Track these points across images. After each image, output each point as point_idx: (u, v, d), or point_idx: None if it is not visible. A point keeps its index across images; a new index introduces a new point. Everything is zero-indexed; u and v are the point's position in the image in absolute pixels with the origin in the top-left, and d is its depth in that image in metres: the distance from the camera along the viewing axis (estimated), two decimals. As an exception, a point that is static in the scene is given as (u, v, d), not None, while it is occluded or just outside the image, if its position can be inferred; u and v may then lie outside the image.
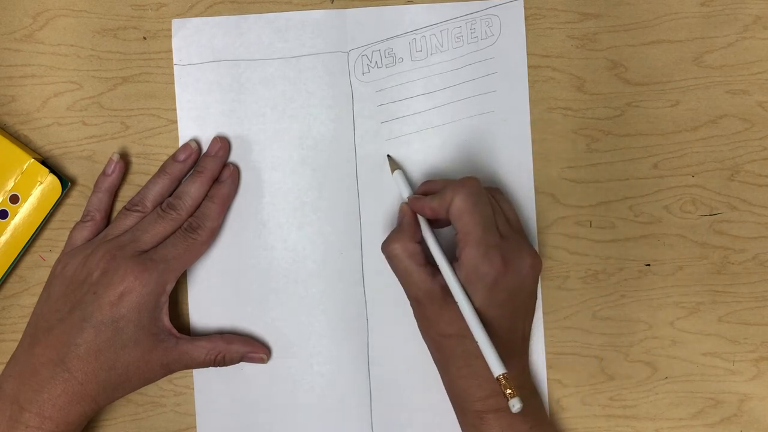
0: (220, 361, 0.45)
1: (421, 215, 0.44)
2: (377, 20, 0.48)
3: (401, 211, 0.45)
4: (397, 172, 0.46)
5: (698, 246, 0.48)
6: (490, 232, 0.41)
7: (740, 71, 0.48)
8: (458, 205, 0.41)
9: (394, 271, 0.43)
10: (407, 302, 0.46)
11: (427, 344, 0.45)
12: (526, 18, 0.48)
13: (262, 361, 0.47)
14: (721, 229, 0.48)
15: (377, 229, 0.48)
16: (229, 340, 0.46)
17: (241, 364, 0.47)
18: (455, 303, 0.41)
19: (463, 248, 0.41)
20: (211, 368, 0.46)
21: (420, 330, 0.44)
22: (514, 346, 0.43)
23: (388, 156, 0.47)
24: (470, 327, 0.40)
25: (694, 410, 0.48)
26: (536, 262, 0.43)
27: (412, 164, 0.48)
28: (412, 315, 0.45)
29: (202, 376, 0.47)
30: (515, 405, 0.38)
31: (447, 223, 0.44)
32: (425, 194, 0.44)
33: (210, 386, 0.47)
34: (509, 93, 0.48)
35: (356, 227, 0.48)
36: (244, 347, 0.46)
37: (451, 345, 0.42)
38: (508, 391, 0.38)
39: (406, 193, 0.45)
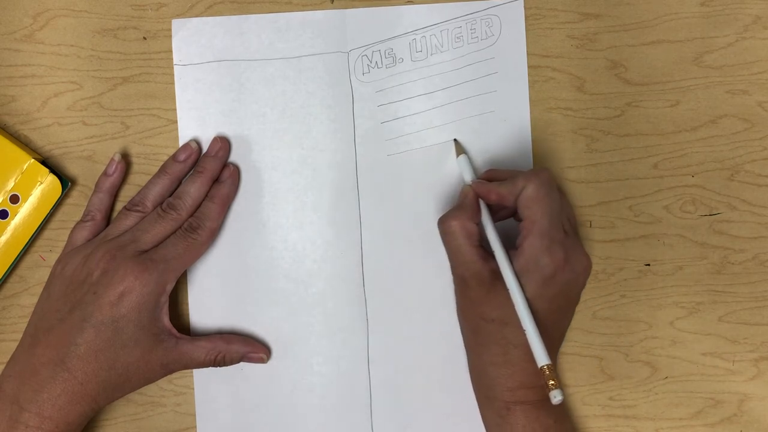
0: (220, 361, 0.45)
1: (484, 199, 0.44)
2: (377, 20, 0.48)
3: (463, 192, 0.44)
4: (462, 156, 0.46)
5: (698, 246, 0.48)
6: (556, 226, 0.41)
7: (740, 71, 0.48)
8: (530, 193, 0.41)
9: (447, 247, 0.43)
10: (407, 302, 0.46)
11: (462, 326, 0.45)
12: (526, 18, 0.48)
13: (262, 361, 0.47)
14: (721, 229, 0.48)
15: (377, 229, 0.48)
16: (229, 340, 0.46)
17: (241, 364, 0.47)
18: (503, 288, 0.41)
19: (527, 236, 0.41)
20: (211, 368, 0.46)
21: (459, 310, 0.45)
22: (553, 343, 0.43)
23: (455, 140, 0.47)
24: (519, 315, 0.40)
25: (694, 410, 0.48)
26: (589, 265, 0.43)
27: (412, 164, 0.48)
28: (413, 314, 0.45)
29: (202, 376, 0.47)
30: (557, 396, 0.39)
31: (506, 215, 0.44)
32: (488, 180, 0.44)
33: (210, 386, 0.47)
34: (509, 93, 0.48)
35: (356, 227, 0.48)
36: (244, 347, 0.46)
37: (490, 330, 0.42)
38: (551, 381, 0.39)
39: (470, 177, 0.45)
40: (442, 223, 0.43)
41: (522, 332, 0.40)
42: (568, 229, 0.43)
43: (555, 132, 0.48)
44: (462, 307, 0.44)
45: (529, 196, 0.41)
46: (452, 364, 0.47)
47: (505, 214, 0.45)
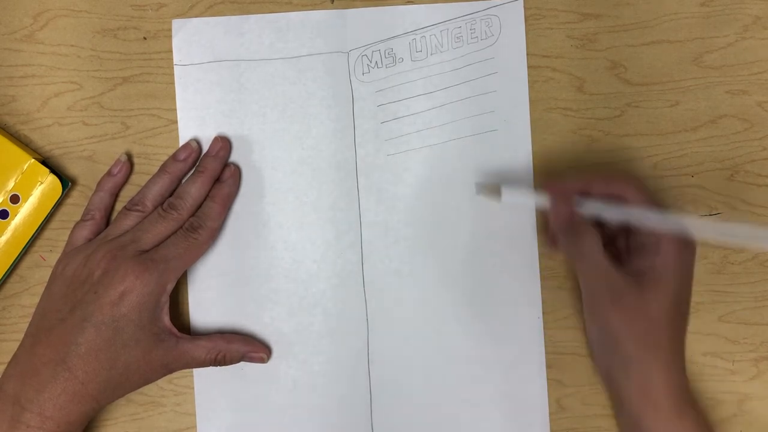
0: (221, 360, 0.45)
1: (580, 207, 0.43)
2: (377, 20, 0.48)
3: (561, 204, 0.43)
4: (504, 191, 0.44)
5: (698, 246, 0.48)
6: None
7: (740, 71, 0.48)
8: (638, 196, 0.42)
9: (583, 270, 0.42)
10: (407, 302, 0.46)
11: (621, 347, 0.41)
12: (526, 18, 0.48)
13: (262, 360, 0.47)
14: (721, 229, 0.48)
15: (377, 229, 0.48)
16: (229, 339, 0.46)
17: (241, 364, 0.47)
18: (658, 287, 0.40)
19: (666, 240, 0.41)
20: (211, 368, 0.46)
21: (609, 337, 0.41)
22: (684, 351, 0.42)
23: (481, 193, 0.46)
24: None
25: (694, 410, 0.48)
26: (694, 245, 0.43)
27: (412, 164, 0.48)
28: (413, 314, 0.45)
29: (202, 376, 0.47)
30: None
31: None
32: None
33: (210, 386, 0.47)
34: (509, 93, 0.48)
35: (356, 227, 0.48)
36: (244, 347, 0.46)
37: (659, 332, 0.40)
38: None
39: (537, 195, 0.44)
40: (573, 241, 0.42)
41: (683, 327, 0.41)
42: None
43: (555, 132, 0.48)
44: (616, 328, 0.41)
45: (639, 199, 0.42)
46: (452, 363, 0.47)
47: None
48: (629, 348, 0.41)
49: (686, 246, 0.41)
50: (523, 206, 0.45)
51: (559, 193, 0.43)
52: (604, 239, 0.43)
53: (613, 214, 0.42)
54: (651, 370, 0.41)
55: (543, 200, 0.44)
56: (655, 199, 0.42)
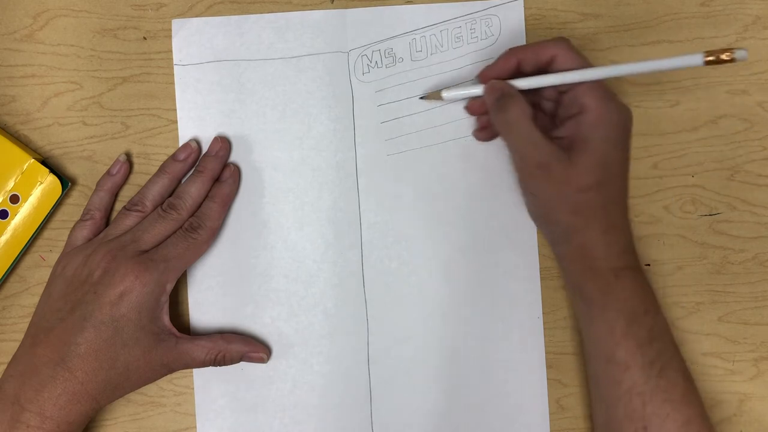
0: (221, 360, 0.45)
1: (512, 69, 0.43)
2: (377, 20, 0.48)
3: (492, 86, 0.43)
4: (443, 91, 0.46)
5: (698, 246, 0.48)
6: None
7: (740, 71, 0.48)
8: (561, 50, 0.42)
9: (513, 139, 0.42)
10: (407, 302, 0.46)
11: (555, 216, 0.42)
12: (526, 18, 0.48)
13: (262, 360, 0.47)
14: (721, 229, 0.48)
15: (377, 229, 0.48)
16: (229, 339, 0.46)
17: (241, 364, 0.47)
18: (583, 152, 0.40)
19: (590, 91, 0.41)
20: (211, 368, 0.46)
21: (542, 205, 0.42)
22: (627, 207, 0.42)
23: (425, 96, 0.47)
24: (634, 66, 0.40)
25: (694, 410, 0.48)
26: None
27: (412, 164, 0.48)
28: (413, 314, 0.45)
29: (202, 376, 0.47)
30: (741, 51, 0.35)
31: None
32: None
33: (210, 386, 0.47)
34: (509, 93, 0.48)
35: (356, 227, 0.48)
36: (244, 347, 0.46)
37: (590, 198, 0.40)
38: (723, 53, 0.36)
39: (473, 87, 0.45)
40: (501, 114, 0.42)
41: (618, 189, 0.41)
42: None
43: (555, 132, 0.48)
44: (548, 197, 0.42)
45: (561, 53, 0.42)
46: (452, 363, 0.47)
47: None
48: (563, 216, 0.41)
49: (612, 106, 0.41)
50: (464, 99, 0.46)
51: (493, 76, 0.44)
52: (542, 114, 0.44)
53: (542, 81, 0.42)
54: (586, 235, 0.41)
55: (479, 89, 0.44)
56: (584, 58, 0.42)
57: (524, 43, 0.48)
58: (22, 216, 0.46)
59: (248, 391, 0.47)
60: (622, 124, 0.42)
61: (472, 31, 0.48)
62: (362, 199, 0.48)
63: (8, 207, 0.46)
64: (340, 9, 0.48)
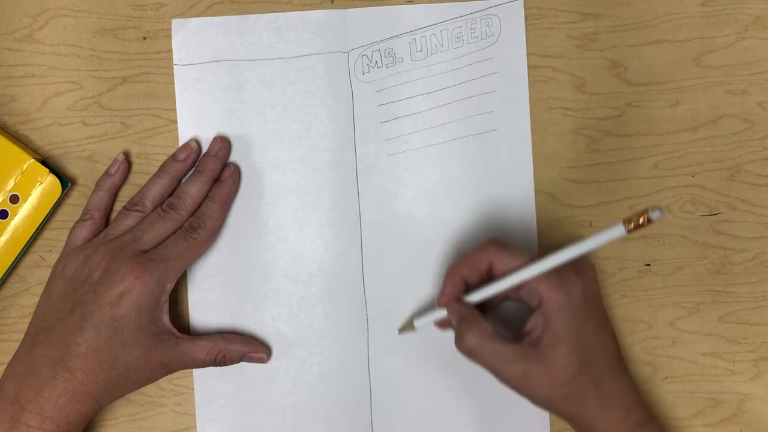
0: (221, 360, 0.45)
1: (467, 279, 0.43)
2: (377, 20, 0.48)
3: (450, 310, 0.43)
4: (416, 322, 0.46)
5: (698, 246, 0.48)
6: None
7: (740, 71, 0.48)
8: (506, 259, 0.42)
9: (482, 364, 0.41)
10: (407, 302, 0.46)
11: (554, 408, 0.42)
12: (526, 18, 0.48)
13: (262, 360, 0.47)
14: (721, 229, 0.48)
15: (377, 229, 0.48)
16: (229, 339, 0.46)
17: (241, 364, 0.47)
18: (557, 344, 0.40)
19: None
20: (211, 368, 0.46)
21: (541, 403, 0.42)
22: (615, 359, 0.42)
23: (401, 330, 0.47)
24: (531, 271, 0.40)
25: (694, 410, 0.48)
26: (593, 267, 0.43)
27: (412, 164, 0.48)
28: (412, 313, 0.45)
29: (202, 376, 0.47)
30: (655, 211, 0.35)
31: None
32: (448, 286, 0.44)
33: (210, 386, 0.47)
34: (509, 93, 0.48)
35: (356, 227, 0.48)
36: (244, 347, 0.46)
37: (578, 383, 0.40)
38: (640, 218, 0.36)
39: (440, 311, 0.44)
40: (462, 344, 0.41)
41: (603, 358, 0.41)
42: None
43: (555, 132, 0.48)
44: (539, 397, 0.41)
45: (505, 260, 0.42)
46: (452, 363, 0.47)
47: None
48: (561, 409, 0.42)
49: (568, 284, 0.40)
50: (432, 324, 0.46)
51: (447, 301, 0.43)
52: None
53: (487, 292, 0.42)
54: (586, 415, 0.41)
55: (444, 312, 0.44)
56: (518, 252, 0.42)
57: (524, 42, 0.48)
58: (22, 216, 0.46)
59: (248, 391, 0.47)
60: (587, 290, 0.41)
61: (472, 30, 0.48)
62: (362, 199, 0.48)
63: (8, 207, 0.46)
64: (340, 9, 0.48)
